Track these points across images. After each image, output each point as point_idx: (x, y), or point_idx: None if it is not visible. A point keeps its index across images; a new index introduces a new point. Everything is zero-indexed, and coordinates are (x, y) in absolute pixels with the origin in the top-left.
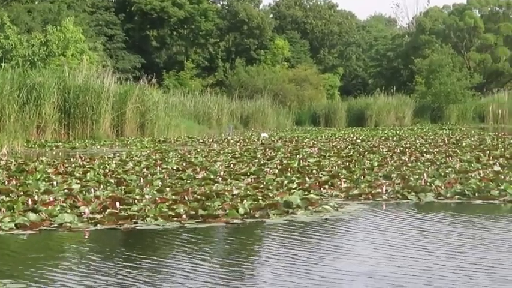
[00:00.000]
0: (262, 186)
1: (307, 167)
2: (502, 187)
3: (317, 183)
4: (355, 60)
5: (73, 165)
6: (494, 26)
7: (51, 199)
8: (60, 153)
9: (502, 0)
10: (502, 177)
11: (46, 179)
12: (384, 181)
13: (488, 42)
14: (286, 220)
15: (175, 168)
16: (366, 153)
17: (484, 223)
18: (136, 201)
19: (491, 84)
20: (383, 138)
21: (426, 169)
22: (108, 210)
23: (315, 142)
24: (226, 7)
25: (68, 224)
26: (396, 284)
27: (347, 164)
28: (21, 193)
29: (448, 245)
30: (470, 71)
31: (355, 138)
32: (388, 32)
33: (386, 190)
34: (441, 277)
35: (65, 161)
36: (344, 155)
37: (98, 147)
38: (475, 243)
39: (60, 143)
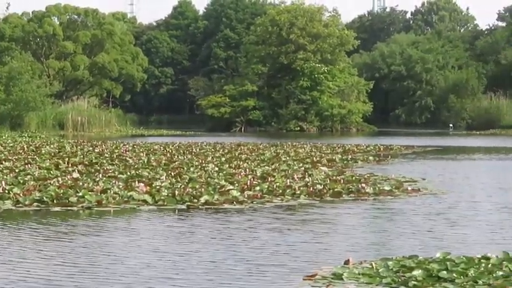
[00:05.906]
0: None
1: None
2: (81, 194)
3: None
4: None
5: None
6: (73, 34)
7: None
8: None
9: (80, 8)
10: (81, 184)
11: None
12: None
13: (68, 50)
14: None
15: None
16: None
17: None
18: None
19: (71, 92)
20: None
21: (5, 177)
22: None
23: None
24: None
25: None
26: None
27: None
28: None
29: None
30: (49, 79)
31: None
32: None
33: None
34: None
35: None
36: None
37: None
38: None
39: None
